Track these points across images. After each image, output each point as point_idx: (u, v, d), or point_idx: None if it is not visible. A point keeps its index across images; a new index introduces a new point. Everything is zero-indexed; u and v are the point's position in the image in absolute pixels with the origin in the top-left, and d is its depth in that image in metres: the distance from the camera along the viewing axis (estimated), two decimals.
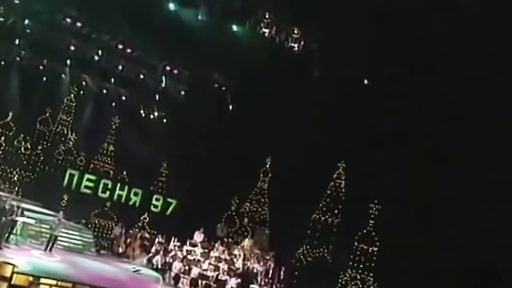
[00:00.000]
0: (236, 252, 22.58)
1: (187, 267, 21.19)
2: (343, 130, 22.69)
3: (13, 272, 13.97)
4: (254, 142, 25.06)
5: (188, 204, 26.55)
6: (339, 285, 23.57)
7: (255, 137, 24.87)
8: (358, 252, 23.47)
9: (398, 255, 21.41)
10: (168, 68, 23.72)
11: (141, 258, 22.74)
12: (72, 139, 28.99)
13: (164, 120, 28.41)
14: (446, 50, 19.28)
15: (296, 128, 23.74)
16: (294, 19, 20.11)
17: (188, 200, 26.69)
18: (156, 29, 20.27)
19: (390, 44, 19.36)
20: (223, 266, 21.22)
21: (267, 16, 19.47)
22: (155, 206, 28.19)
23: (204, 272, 21.00)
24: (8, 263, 14.25)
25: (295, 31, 19.46)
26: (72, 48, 23.45)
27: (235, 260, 21.84)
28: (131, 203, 27.89)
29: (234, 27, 20.12)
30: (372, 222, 23.52)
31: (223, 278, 20.76)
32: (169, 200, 28.12)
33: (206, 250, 22.10)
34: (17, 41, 24.00)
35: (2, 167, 26.90)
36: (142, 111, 28.21)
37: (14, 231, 17.89)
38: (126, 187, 27.88)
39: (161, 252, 22.12)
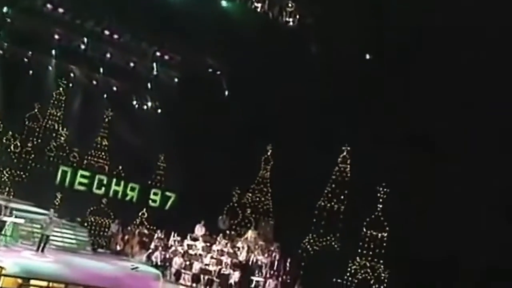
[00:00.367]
0: (239, 244, 22.50)
1: (188, 262, 21.15)
2: (346, 111, 22.38)
3: (0, 275, 13.57)
4: (253, 129, 24.76)
5: (188, 197, 26.37)
6: (348, 274, 23.35)
7: (254, 123, 24.57)
8: (367, 239, 23.28)
9: (409, 240, 21.21)
10: (158, 53, 23.19)
11: (140, 255, 22.52)
12: (64, 135, 28.62)
13: (159, 110, 27.90)
14: (449, 24, 18.89)
15: (297, 111, 23.43)
16: None
17: (187, 193, 26.50)
18: (142, 11, 19.78)
19: (389, 17, 18.85)
20: (226, 259, 21.14)
21: None
22: (154, 201, 28.16)
23: (206, 267, 20.93)
24: None
25: (289, 5, 18.83)
26: (56, 37, 22.95)
27: (238, 253, 21.73)
28: (128, 198, 27.83)
29: (224, 3, 19.48)
30: (380, 206, 23.28)
31: (226, 272, 20.65)
32: (168, 194, 28.08)
33: (208, 244, 22.05)
34: None
35: None
36: (134, 102, 27.73)
37: (3, 232, 17.48)
38: (122, 182, 27.82)
39: (161, 248, 22.01)
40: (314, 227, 24.96)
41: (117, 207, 27.30)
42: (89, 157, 28.87)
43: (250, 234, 23.43)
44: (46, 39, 23.15)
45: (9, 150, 27.30)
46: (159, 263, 21.30)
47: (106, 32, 22.09)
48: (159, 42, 22.77)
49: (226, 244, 22.09)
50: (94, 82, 26.41)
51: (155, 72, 24.38)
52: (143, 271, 19.39)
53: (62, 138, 28.55)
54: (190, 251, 21.62)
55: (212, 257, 21.19)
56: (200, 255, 21.39)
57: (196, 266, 20.95)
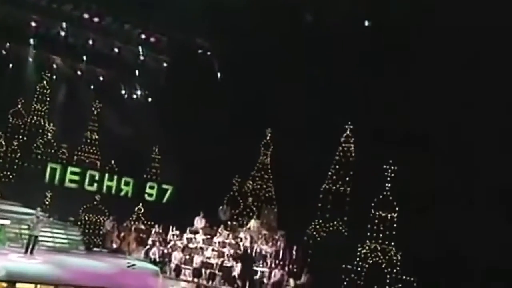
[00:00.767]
0: (241, 235, 22.23)
1: (188, 257, 20.94)
2: (346, 86, 21.99)
3: None
4: (250, 112, 24.46)
5: (185, 189, 26.08)
6: (357, 259, 23.12)
7: (251, 106, 24.23)
8: (376, 221, 22.97)
9: (421, 219, 20.92)
10: (143, 36, 22.59)
11: (137, 252, 22.22)
12: (50, 130, 28.44)
13: (149, 99, 27.42)
14: None
15: (295, 90, 23.01)
16: None
17: (185, 185, 26.24)
18: None
19: None
20: (228, 251, 20.88)
21: None
22: (150, 195, 27.82)
23: (208, 260, 20.70)
24: None
25: None
26: (34, 24, 22.34)
27: (241, 244, 21.47)
28: (122, 194, 27.43)
29: None
30: (389, 185, 22.96)
31: (229, 264, 20.38)
32: (165, 186, 27.73)
33: (209, 236, 21.88)
34: None
35: None
36: (123, 91, 27.27)
37: None
38: (116, 177, 27.38)
39: (158, 243, 21.80)
40: (319, 212, 24.87)
41: (111, 204, 27.04)
42: (79, 153, 28.73)
43: (252, 223, 23.17)
44: (23, 27, 22.57)
45: None
46: (157, 259, 21.10)
47: (86, 16, 21.49)
48: (142, 23, 22.16)
49: (228, 235, 21.91)
50: (79, 73, 25.91)
51: (142, 57, 23.78)
52: (140, 268, 19.19)
53: (49, 134, 28.36)
54: (190, 245, 21.48)
55: (213, 250, 20.98)
56: (201, 248, 21.21)
57: (197, 259, 20.75)
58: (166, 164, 28.30)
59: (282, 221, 23.90)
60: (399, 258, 22.61)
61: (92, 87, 27.20)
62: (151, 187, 27.72)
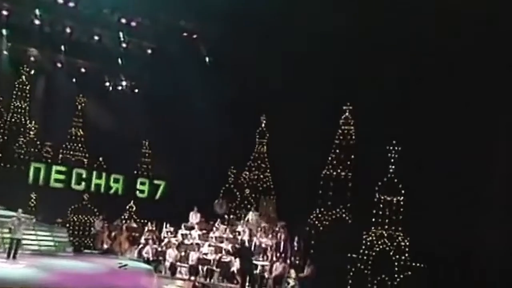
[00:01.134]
0: (239, 228, 21.94)
1: (183, 254, 20.72)
2: (343, 65, 21.62)
3: None
4: (243, 99, 24.13)
5: (179, 183, 25.91)
6: (363, 247, 22.86)
7: (243, 92, 23.85)
8: (381, 206, 22.76)
9: (429, 202, 20.64)
10: (123, 20, 21.95)
11: (130, 252, 21.96)
12: (32, 128, 28.08)
13: (136, 90, 26.96)
14: None
15: (289, 72, 22.70)
16: None
17: (177, 179, 26.07)
18: None
19: None
20: (226, 246, 20.59)
21: None
22: (141, 191, 27.71)
23: (204, 256, 20.42)
24: None
25: None
26: (5, 12, 21.67)
27: (239, 238, 21.12)
28: (112, 191, 27.24)
29: None
30: (393, 167, 22.73)
31: (227, 260, 20.03)
32: (157, 182, 27.56)
33: (205, 231, 21.77)
34: None
35: None
36: (107, 83, 26.81)
37: None
38: (104, 175, 27.20)
39: (151, 242, 21.57)
40: (320, 200, 24.75)
41: (101, 203, 26.78)
42: (64, 151, 28.44)
43: (251, 216, 22.81)
44: None
45: None
46: (151, 258, 20.82)
47: (60, 1, 20.82)
48: (121, 6, 21.48)
49: (225, 229, 21.70)
50: (59, 65, 25.34)
51: (124, 45, 23.21)
52: (133, 268, 18.86)
53: (31, 133, 28.02)
54: (186, 241, 21.35)
55: (210, 245, 20.72)
56: (197, 244, 21.11)
57: (193, 256, 20.47)
58: (157, 158, 28.05)
59: (282, 212, 23.66)
60: (407, 244, 22.37)
61: (74, 80, 26.73)
62: (143, 183, 27.53)
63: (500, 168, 19.63)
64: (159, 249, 21.27)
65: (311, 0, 20.70)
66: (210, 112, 24.41)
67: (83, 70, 26.12)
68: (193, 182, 24.63)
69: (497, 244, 19.35)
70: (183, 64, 24.20)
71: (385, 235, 22.59)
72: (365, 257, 22.71)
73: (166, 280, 19.33)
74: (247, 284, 18.54)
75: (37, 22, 21.60)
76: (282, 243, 20.62)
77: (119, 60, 24.60)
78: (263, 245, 20.66)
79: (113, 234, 23.27)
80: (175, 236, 21.77)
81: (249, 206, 25.95)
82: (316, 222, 24.56)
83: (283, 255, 20.22)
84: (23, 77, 27.32)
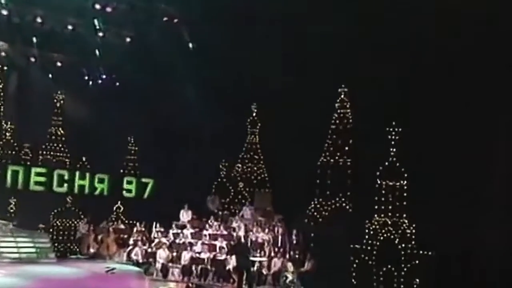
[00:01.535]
0: (234, 224, 22.25)
1: (175, 254, 20.92)
2: (338, 44, 21.35)
3: None
4: (231, 87, 23.84)
5: (167, 181, 25.42)
6: (366, 237, 22.67)
7: (231, 79, 23.58)
8: (383, 192, 22.53)
9: (434, 186, 20.43)
10: (97, 6, 21.23)
11: (118, 255, 21.57)
12: (9, 129, 27.67)
13: (117, 83, 26.38)
14: None
15: (279, 56, 22.36)
16: None
17: (166, 176, 25.63)
18: None
19: None
20: (220, 243, 20.80)
21: None
22: (128, 191, 27.00)
23: (198, 255, 20.65)
24: None
25: None
26: None
27: (234, 234, 21.34)
28: (97, 192, 26.61)
29: None
30: (394, 150, 22.52)
31: (222, 258, 20.25)
32: (144, 180, 26.91)
33: (197, 229, 22.05)
34: None
35: None
36: (86, 77, 26.20)
37: None
38: (88, 175, 26.47)
39: (140, 243, 21.67)
40: (318, 189, 24.64)
41: (86, 205, 26.29)
42: (44, 152, 28.12)
43: (245, 210, 23.20)
44: None
45: None
46: (141, 260, 20.69)
47: None
48: None
49: (219, 226, 21.95)
50: (32, 59, 24.63)
51: (100, 34, 22.53)
52: (121, 271, 18.21)
53: (7, 134, 27.62)
54: (177, 241, 21.49)
55: (203, 243, 21.02)
56: (190, 243, 21.35)
57: (186, 256, 20.65)
58: (144, 156, 27.76)
59: (278, 205, 23.58)
60: (413, 231, 22.16)
61: (50, 75, 26.01)
62: (129, 182, 26.79)
63: (500, 168, 19.67)
64: (149, 250, 21.26)
65: None
66: (198, 102, 24.07)
67: (59, 63, 25.32)
68: (183, 178, 24.37)
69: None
70: (165, 52, 23.65)
71: (389, 222, 22.39)
72: (368, 248, 22.52)
73: (158, 283, 19.05)
74: (244, 282, 18.43)
75: (4, 12, 20.83)
76: (280, 238, 21.00)
77: (97, 51, 23.91)
78: (260, 241, 20.87)
79: (99, 237, 22.84)
80: (166, 236, 21.78)
81: (243, 200, 26.03)
82: (315, 214, 24.48)
83: (281, 250, 20.47)
84: None
